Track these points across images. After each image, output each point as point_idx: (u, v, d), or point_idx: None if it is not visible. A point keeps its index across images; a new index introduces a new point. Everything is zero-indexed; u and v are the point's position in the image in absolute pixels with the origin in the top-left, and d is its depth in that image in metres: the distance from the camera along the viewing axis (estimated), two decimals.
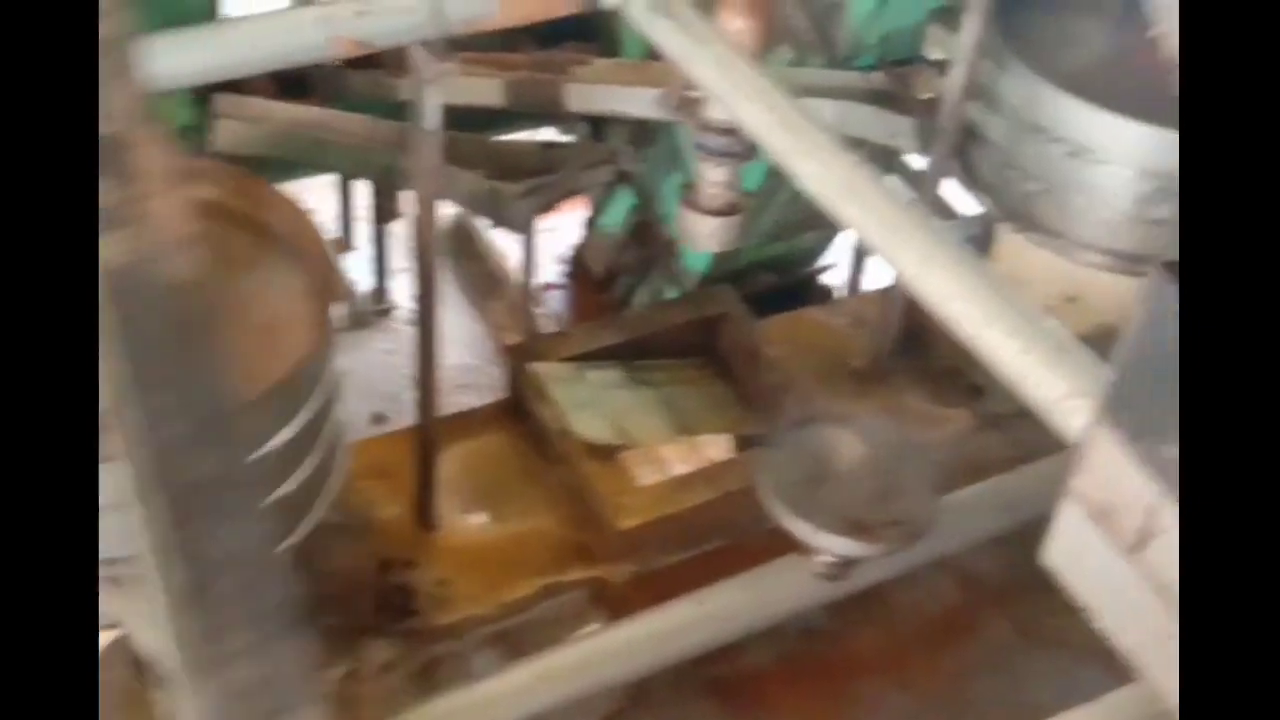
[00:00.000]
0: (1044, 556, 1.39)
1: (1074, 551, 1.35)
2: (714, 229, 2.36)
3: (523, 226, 2.75)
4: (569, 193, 2.80)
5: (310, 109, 3.02)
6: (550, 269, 4.29)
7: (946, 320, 1.58)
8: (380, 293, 3.98)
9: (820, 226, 3.41)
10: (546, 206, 2.76)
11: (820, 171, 1.71)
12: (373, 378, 3.87)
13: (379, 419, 3.70)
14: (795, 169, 1.75)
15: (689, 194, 2.39)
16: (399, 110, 2.89)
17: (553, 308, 4.12)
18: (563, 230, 4.36)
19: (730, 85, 1.85)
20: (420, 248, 2.21)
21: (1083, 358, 1.46)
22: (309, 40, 1.90)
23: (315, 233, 2.16)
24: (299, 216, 2.18)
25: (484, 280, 4.12)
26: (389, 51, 2.42)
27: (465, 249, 4.23)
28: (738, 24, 2.19)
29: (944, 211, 3.82)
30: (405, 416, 3.81)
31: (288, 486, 2.09)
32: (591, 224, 4.08)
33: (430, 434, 2.44)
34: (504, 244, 4.19)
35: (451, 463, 2.66)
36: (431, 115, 2.05)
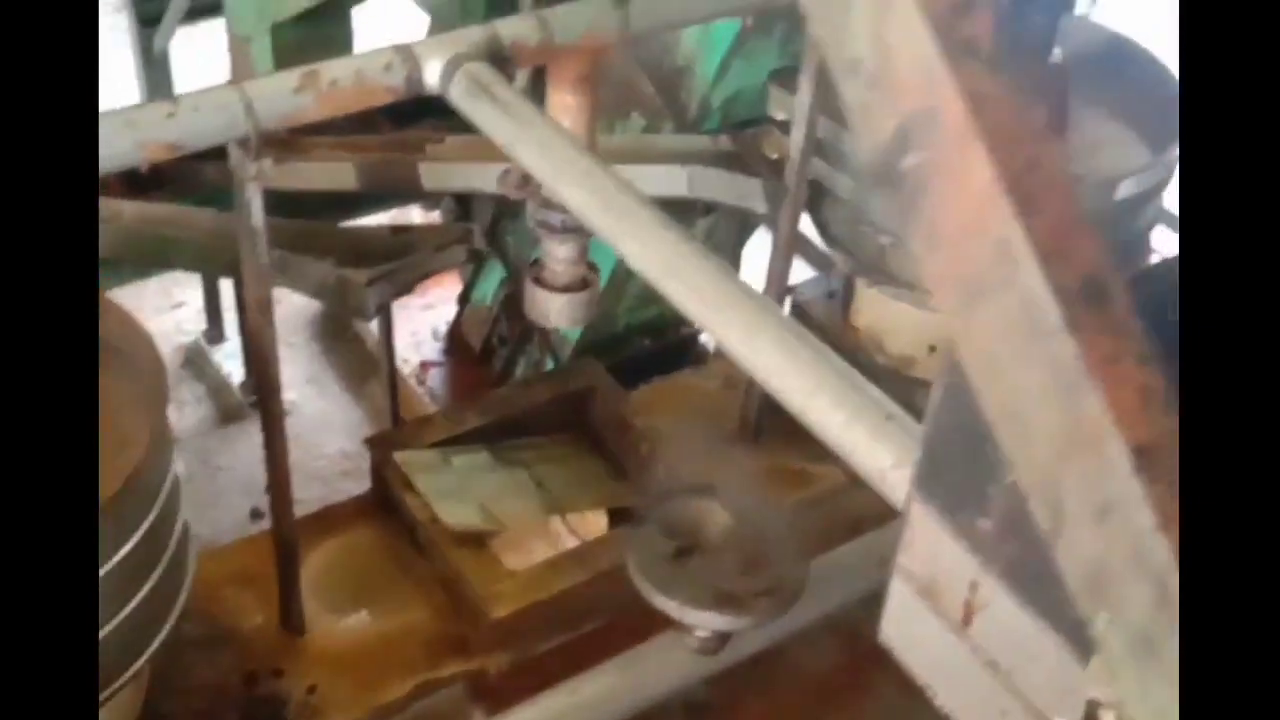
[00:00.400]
0: (879, 635, 1.36)
1: (906, 629, 1.32)
2: (562, 306, 2.33)
3: (371, 315, 2.69)
4: (422, 276, 2.76)
5: (158, 206, 2.95)
6: (429, 346, 4.24)
7: (774, 394, 1.56)
8: (253, 384, 3.88)
9: None
10: (399, 292, 2.71)
11: (643, 251, 1.68)
12: (250, 472, 3.75)
13: (258, 515, 3.60)
14: (619, 249, 1.73)
15: (535, 271, 2.36)
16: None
17: (433, 386, 4.07)
18: (439, 307, 4.32)
19: (552, 168, 1.82)
20: (256, 350, 2.15)
21: (909, 427, 1.44)
22: (118, 148, 1.83)
23: (147, 341, 2.09)
24: (129, 324, 2.11)
25: (360, 364, 4.05)
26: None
27: (340, 332, 4.15)
28: (568, 100, 2.18)
29: (820, 262, 3.84)
30: None
31: (133, 603, 2.01)
32: (465, 299, 4.04)
33: (288, 535, 2.36)
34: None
35: (319, 561, 2.59)
36: (255, 213, 2.00)
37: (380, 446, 2.68)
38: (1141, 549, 0.61)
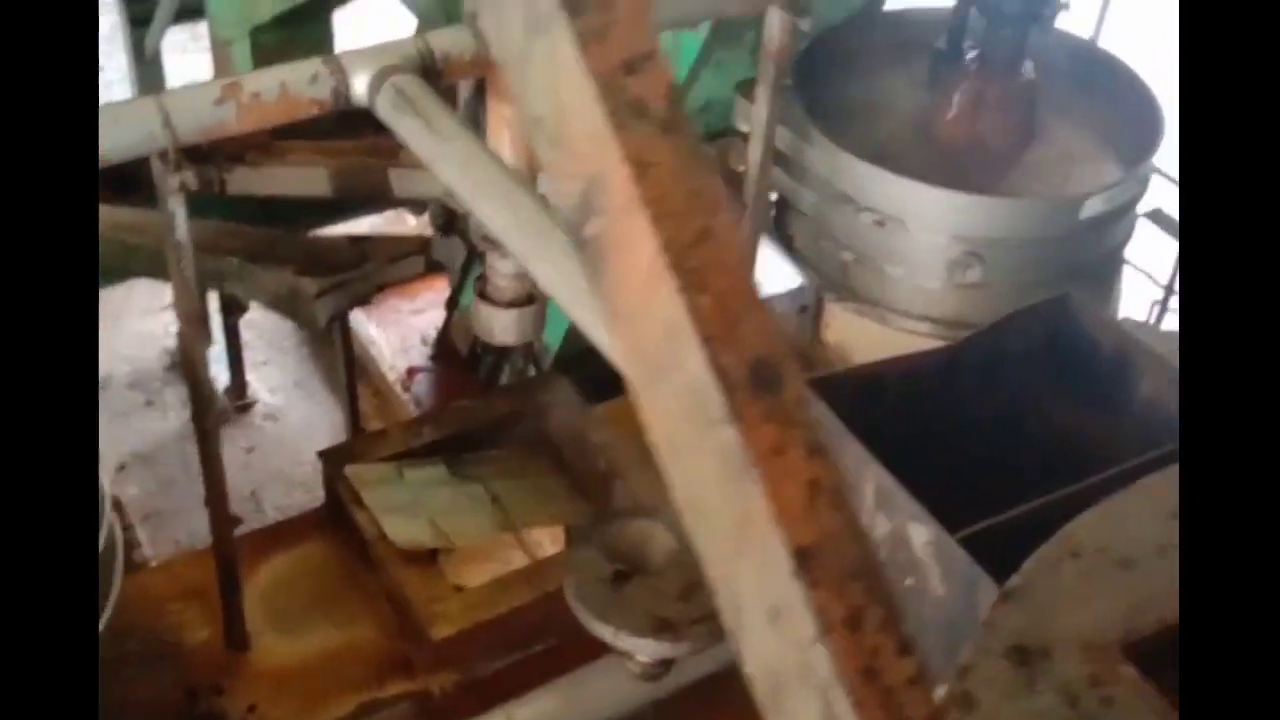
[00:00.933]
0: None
1: None
2: (507, 322, 2.28)
3: (322, 326, 2.65)
4: (377, 287, 2.71)
5: (125, 211, 2.92)
6: (417, 352, 4.20)
7: None
8: (238, 388, 3.86)
9: None
10: (353, 303, 2.67)
11: (554, 275, 1.63)
12: (231, 478, 3.74)
13: (235, 521, 3.58)
14: (530, 270, 1.68)
15: (481, 285, 2.31)
16: (231, 205, 2.80)
17: (418, 392, 4.02)
18: (429, 312, 4.27)
19: (471, 185, 1.77)
20: (187, 365, 2.11)
21: None
22: None
23: None
24: None
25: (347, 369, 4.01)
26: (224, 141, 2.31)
27: (328, 337, 4.12)
28: (507, 113, 2.13)
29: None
30: (263, 516, 3.69)
31: None
32: (453, 304, 4.00)
33: (228, 552, 2.33)
34: (370, 331, 4.10)
35: (269, 576, 2.55)
36: (179, 227, 1.96)
37: (334, 459, 2.64)
38: (805, 659, 0.55)
